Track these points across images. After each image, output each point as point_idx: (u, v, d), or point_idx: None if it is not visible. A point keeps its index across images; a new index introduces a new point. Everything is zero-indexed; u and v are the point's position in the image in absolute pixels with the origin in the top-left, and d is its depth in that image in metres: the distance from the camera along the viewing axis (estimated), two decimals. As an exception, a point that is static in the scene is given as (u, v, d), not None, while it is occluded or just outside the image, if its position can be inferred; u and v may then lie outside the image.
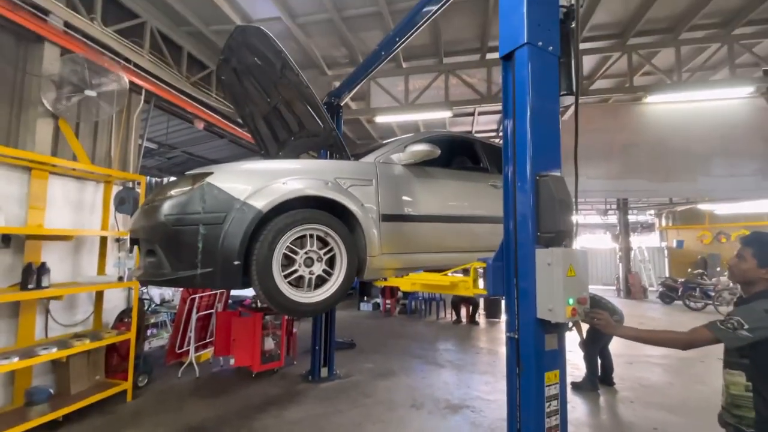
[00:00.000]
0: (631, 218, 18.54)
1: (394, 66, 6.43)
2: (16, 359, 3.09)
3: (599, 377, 4.73)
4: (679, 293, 11.19)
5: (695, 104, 5.67)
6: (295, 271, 2.17)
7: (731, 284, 10.26)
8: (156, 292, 5.77)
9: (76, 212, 4.19)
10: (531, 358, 1.91)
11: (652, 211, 17.50)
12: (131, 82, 4.75)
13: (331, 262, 2.33)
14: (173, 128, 6.54)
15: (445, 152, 3.13)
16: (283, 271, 2.12)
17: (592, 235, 20.96)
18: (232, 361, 4.75)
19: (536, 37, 2.06)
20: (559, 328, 1.93)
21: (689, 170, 5.57)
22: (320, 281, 2.29)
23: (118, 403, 4.01)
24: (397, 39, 3.68)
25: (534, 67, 2.04)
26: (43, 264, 3.58)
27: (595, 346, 4.75)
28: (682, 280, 11.71)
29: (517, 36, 2.09)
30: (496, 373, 5.07)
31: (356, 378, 4.97)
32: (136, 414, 3.84)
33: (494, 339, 7.28)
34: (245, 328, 4.84)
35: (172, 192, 2.13)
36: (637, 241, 17.29)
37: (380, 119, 6.77)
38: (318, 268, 2.25)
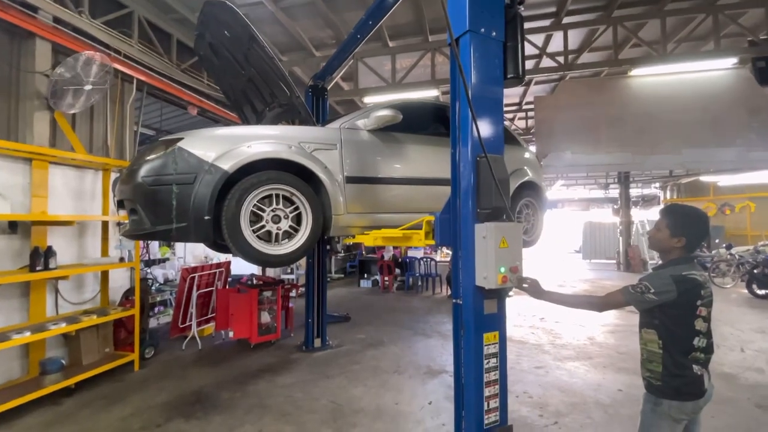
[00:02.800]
0: (636, 191, 18.41)
1: (380, 45, 6.46)
2: (28, 333, 3.44)
3: None
4: (676, 265, 11.26)
5: (680, 76, 5.63)
6: (263, 226, 2.44)
7: (728, 255, 10.32)
8: (159, 272, 6.13)
9: (77, 199, 4.47)
10: (470, 321, 2.14)
11: (657, 184, 17.33)
12: (122, 72, 4.94)
13: (298, 220, 2.58)
14: (167, 115, 6.74)
15: (417, 119, 3.29)
16: (251, 226, 2.40)
17: (599, 209, 20.92)
18: (231, 334, 5.11)
19: (479, 24, 2.19)
20: (498, 294, 2.14)
21: (674, 142, 5.59)
22: (289, 236, 2.54)
23: (126, 372, 4.41)
24: (370, 22, 3.78)
25: (476, 54, 2.18)
26: (50, 248, 3.89)
27: None
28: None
29: (460, 23, 2.21)
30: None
31: (347, 348, 5.31)
32: (142, 381, 4.23)
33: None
34: (242, 304, 5.18)
35: (148, 157, 2.40)
36: (641, 214, 17.23)
37: (369, 99, 6.85)
38: (285, 225, 2.52)
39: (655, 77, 5.78)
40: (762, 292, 8.33)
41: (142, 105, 5.50)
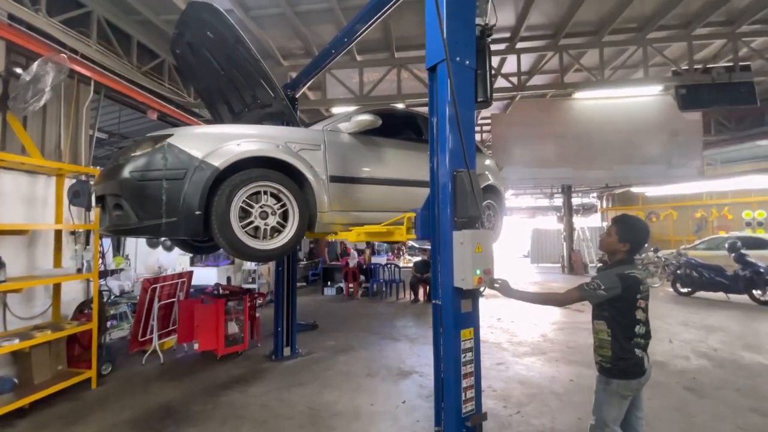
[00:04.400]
0: (577, 200, 20.04)
1: (348, 59, 6.66)
2: (-23, 351, 3.18)
3: None
4: (611, 268, 12.40)
5: (614, 101, 6.41)
6: (252, 222, 2.54)
7: (656, 258, 11.58)
8: (115, 284, 5.79)
9: (29, 206, 4.19)
10: (450, 319, 2.36)
11: (595, 194, 19.00)
12: (79, 73, 4.71)
13: (285, 216, 2.70)
14: (126, 118, 6.45)
15: (391, 125, 3.51)
16: (240, 222, 2.49)
17: (544, 217, 22.46)
18: (196, 346, 4.97)
19: (454, 53, 2.45)
20: (473, 294, 2.39)
21: (607, 159, 6.33)
22: (276, 232, 2.66)
23: (83, 390, 4.14)
24: (346, 39, 3.98)
25: (452, 80, 2.43)
26: (-2, 259, 3.61)
27: None
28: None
29: (438, 51, 2.47)
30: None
31: (317, 355, 5.36)
32: (102, 399, 4.00)
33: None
34: (208, 314, 5.05)
35: (135, 152, 2.42)
36: (581, 222, 18.76)
37: (336, 110, 7.01)
38: (272, 221, 2.64)
39: (594, 101, 6.52)
40: (685, 290, 9.44)
41: (100, 108, 5.25)
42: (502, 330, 6.46)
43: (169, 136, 2.44)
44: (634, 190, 15.18)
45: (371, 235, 2.96)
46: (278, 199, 2.67)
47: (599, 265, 13.75)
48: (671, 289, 9.69)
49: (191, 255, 8.36)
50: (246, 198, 2.52)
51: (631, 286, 2.09)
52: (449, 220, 2.39)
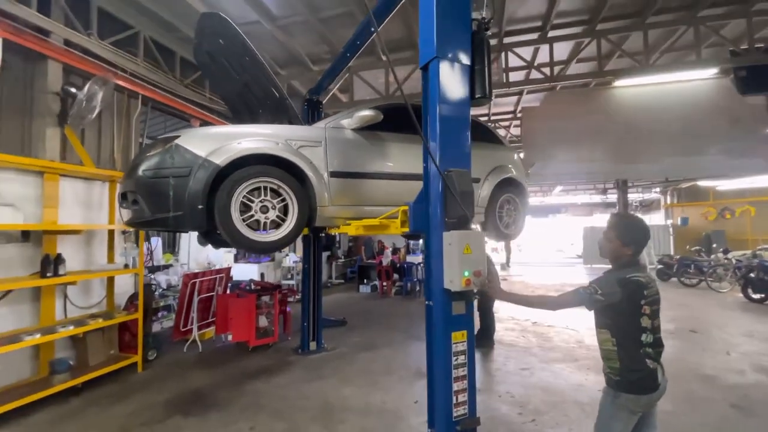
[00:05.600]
0: (638, 196, 18.48)
1: (375, 59, 6.73)
2: (38, 335, 3.69)
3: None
4: (675, 270, 11.32)
5: (661, 87, 5.81)
6: (252, 216, 2.70)
7: (725, 260, 10.36)
8: (163, 278, 6.37)
9: (86, 209, 4.75)
10: (440, 321, 2.34)
11: (658, 189, 17.38)
12: (128, 89, 5.24)
13: (285, 210, 2.84)
14: (171, 127, 7.05)
15: (396, 119, 3.50)
16: (241, 215, 2.66)
17: (602, 215, 20.96)
18: (230, 337, 5.33)
19: (446, 50, 2.42)
20: (465, 296, 2.34)
21: (655, 151, 5.75)
22: (276, 225, 2.80)
23: (130, 373, 4.64)
24: (358, 42, 4.05)
25: (443, 79, 2.40)
26: (59, 255, 4.15)
27: (486, 307, 5.47)
28: (678, 257, 11.82)
29: (429, 50, 2.45)
30: (468, 345, 5.51)
31: (342, 350, 5.50)
32: (145, 382, 4.45)
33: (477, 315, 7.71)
34: (241, 308, 5.40)
35: (149, 153, 2.69)
36: (644, 219, 17.26)
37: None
38: (272, 215, 2.78)
39: (637, 88, 5.97)
40: (757, 296, 8.38)
41: (147, 119, 5.80)
42: (535, 334, 6.18)
43: (177, 137, 2.66)
44: (703, 184, 13.66)
45: (368, 228, 3.00)
46: (278, 194, 2.81)
47: (660, 266, 12.64)
48: (741, 295, 8.64)
49: (235, 252, 8.94)
50: (246, 193, 2.68)
51: (633, 291, 1.93)
52: (439, 221, 2.36)
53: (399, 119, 3.93)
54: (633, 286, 1.93)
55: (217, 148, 2.63)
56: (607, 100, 5.93)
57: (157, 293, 6.06)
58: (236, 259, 8.72)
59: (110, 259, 4.88)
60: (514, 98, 8.73)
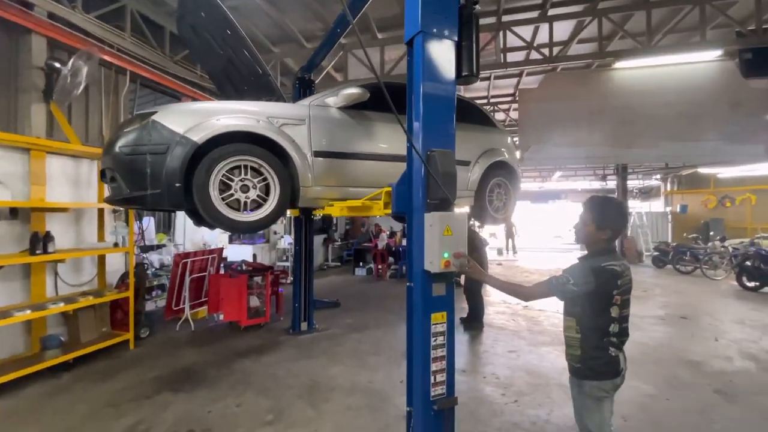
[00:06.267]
0: (637, 183, 18.32)
1: (369, 37, 6.55)
2: (28, 312, 3.72)
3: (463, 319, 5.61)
4: (670, 257, 11.32)
5: (662, 69, 5.64)
6: (232, 195, 2.65)
7: (722, 248, 10.34)
8: (156, 258, 6.40)
9: (74, 187, 4.71)
10: (419, 302, 2.33)
11: (658, 176, 17.22)
12: (116, 65, 5.12)
13: (267, 190, 2.79)
14: (161, 104, 6.93)
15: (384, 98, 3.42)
16: (221, 194, 2.62)
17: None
18: (221, 317, 5.37)
19: (431, 25, 2.32)
20: (445, 278, 2.32)
21: (653, 136, 5.62)
22: (258, 205, 2.76)
23: (122, 350, 4.70)
24: (348, 18, 3.91)
25: (428, 55, 2.32)
26: (48, 233, 4.14)
27: (474, 289, 5.53)
28: (675, 244, 11.80)
29: (413, 24, 2.35)
30: (458, 326, 5.56)
31: (333, 331, 5.55)
32: (136, 359, 4.51)
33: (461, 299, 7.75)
34: (232, 288, 5.42)
35: (125, 129, 2.63)
36: (642, 206, 17.19)
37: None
38: (253, 194, 2.74)
39: (638, 70, 5.79)
40: (751, 284, 8.39)
41: (137, 96, 5.69)
42: (525, 318, 6.21)
43: (154, 113, 2.60)
44: (703, 171, 13.51)
45: (352, 209, 2.96)
46: (260, 174, 2.76)
47: (655, 253, 12.64)
48: (736, 283, 8.66)
49: (229, 234, 8.95)
50: (226, 172, 2.63)
51: (607, 280, 1.87)
52: (421, 202, 2.32)
53: (386, 102, 3.86)
54: (607, 275, 1.88)
55: (195, 125, 2.57)
56: (606, 82, 5.77)
57: (150, 273, 6.09)
58: (231, 241, 8.74)
59: (100, 237, 4.87)
60: (514, 80, 8.56)
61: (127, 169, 2.54)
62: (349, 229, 13.17)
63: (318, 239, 11.51)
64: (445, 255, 2.19)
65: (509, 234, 15.70)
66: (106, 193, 2.90)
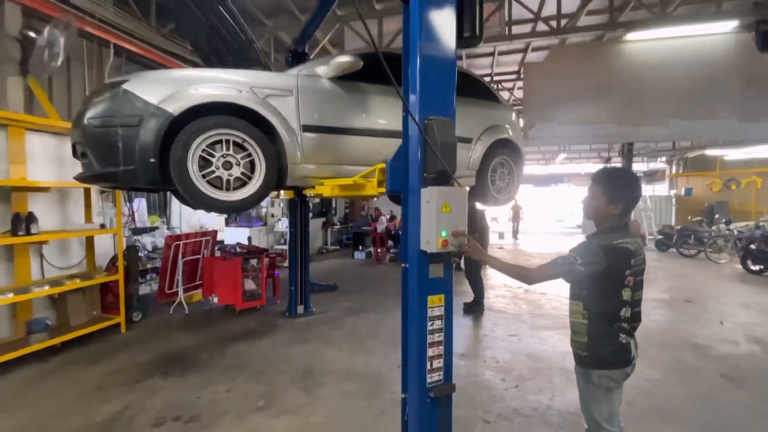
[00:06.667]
0: (642, 166, 18.04)
1: (366, 8, 6.22)
2: (11, 295, 3.58)
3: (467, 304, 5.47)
4: (674, 240, 11.16)
5: (674, 41, 5.31)
6: (213, 172, 2.45)
7: (727, 231, 10.16)
8: (148, 241, 6.25)
9: (58, 166, 4.50)
10: (415, 284, 2.16)
11: (663, 158, 16.93)
12: (99, 37, 4.85)
13: (252, 167, 2.58)
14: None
15: (380, 68, 3.21)
16: (201, 171, 2.42)
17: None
18: (215, 300, 5.26)
19: (429, -23, 2.08)
20: (443, 258, 2.15)
21: (662, 113, 5.35)
22: (242, 183, 2.56)
23: (114, 334, 4.59)
24: (342, -18, 3.64)
25: (426, 13, 2.09)
26: (31, 213, 3.97)
27: (475, 272, 5.36)
28: (679, 227, 11.63)
29: (409, -21, 2.11)
30: (455, 310, 5.44)
31: (330, 314, 5.45)
32: (127, 343, 4.40)
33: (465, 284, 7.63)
34: (227, 271, 5.29)
35: (95, 99, 2.41)
36: (647, 189, 16.94)
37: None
38: (236, 171, 2.53)
39: (648, 42, 5.46)
40: (756, 267, 8.25)
41: (123, 71, 5.42)
42: (527, 301, 6.10)
43: (125, 81, 2.38)
44: (710, 152, 13.22)
45: (343, 188, 2.77)
46: (244, 149, 2.55)
47: (659, 237, 12.47)
48: (740, 266, 8.52)
49: (226, 216, 8.79)
50: (207, 147, 2.43)
51: (618, 260, 1.69)
52: (418, 176, 2.13)
53: (383, 68, 3.61)
54: (619, 253, 1.70)
55: (170, 95, 2.35)
56: (616, 56, 5.45)
57: (143, 256, 5.95)
58: (227, 223, 8.59)
59: (87, 218, 4.70)
60: (519, 56, 8.21)
61: (97, 144, 2.34)
62: (349, 213, 13.01)
63: (317, 222, 11.37)
64: (443, 233, 2.01)
65: (515, 217, 15.15)
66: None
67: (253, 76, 2.71)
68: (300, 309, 5.38)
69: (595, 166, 19.70)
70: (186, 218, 8.80)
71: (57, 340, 3.95)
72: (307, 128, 2.78)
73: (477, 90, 4.10)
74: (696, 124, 5.26)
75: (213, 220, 8.98)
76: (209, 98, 2.42)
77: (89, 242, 4.75)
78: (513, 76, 9.38)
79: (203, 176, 2.42)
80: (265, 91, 2.64)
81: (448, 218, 2.02)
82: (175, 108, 2.33)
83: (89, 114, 2.34)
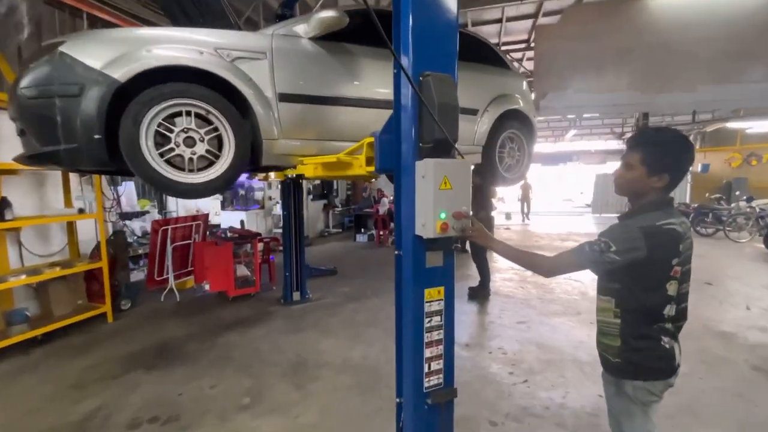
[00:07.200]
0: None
1: (363, -29, 5.69)
2: (-18, 284, 3.34)
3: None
4: (690, 219, 10.68)
5: (706, -6, 4.71)
6: (173, 150, 2.11)
7: (748, 208, 9.66)
8: (138, 226, 5.99)
9: (32, 147, 4.20)
10: (410, 274, 1.83)
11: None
12: (69, 5, 4.45)
13: (220, 144, 2.24)
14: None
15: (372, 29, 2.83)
16: (158, 149, 2.07)
17: (617, 163, 19.88)
18: (207, 287, 5.01)
19: None
20: (442, 245, 1.81)
21: (689, 78, 4.82)
22: (210, 163, 2.22)
23: (100, 323, 4.37)
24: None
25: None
26: (4, 198, 3.70)
27: (481, 254, 5.08)
28: (695, 205, 11.13)
29: None
30: (460, 296, 5.14)
31: (328, 300, 5.19)
32: (113, 333, 4.19)
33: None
34: (218, 257, 5.03)
35: (30, 65, 2.05)
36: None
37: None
38: (201, 149, 2.17)
39: (676, -1, 4.87)
40: (780, 246, 7.83)
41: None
42: (536, 285, 5.77)
43: (62, 42, 2.02)
44: (732, 125, 12.50)
45: (327, 167, 2.41)
46: (209, 123, 2.20)
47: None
48: (762, 245, 8.09)
49: (221, 199, 8.51)
50: (163, 120, 2.07)
51: (663, 245, 1.33)
52: (411, 147, 1.77)
53: (374, 28, 3.18)
54: (665, 237, 1.34)
55: (116, 58, 1.98)
56: (639, 14, 4.86)
57: (133, 241, 5.71)
58: (223, 207, 8.31)
59: (67, 203, 4.42)
60: (529, 23, 7.60)
61: (33, 118, 2.00)
62: (351, 195, 12.66)
63: (318, 205, 11.07)
64: (442, 215, 1.66)
65: (525, 197, 14.25)
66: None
67: (217, 35, 2.31)
68: (296, 296, 5.13)
69: (606, 143, 19.00)
70: (183, 202, 8.54)
71: (38, 332, 3.73)
72: (284, 97, 2.40)
73: (483, 54, 3.66)
74: (727, 88, 4.71)
75: (209, 204, 8.72)
76: (163, 61, 2.05)
77: (70, 228, 4.48)
78: (522, 46, 8.77)
79: (161, 155, 2.07)
80: (232, 53, 2.25)
81: (447, 197, 1.67)
82: (121, 74, 1.96)
83: (23, 83, 1.98)
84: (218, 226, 7.85)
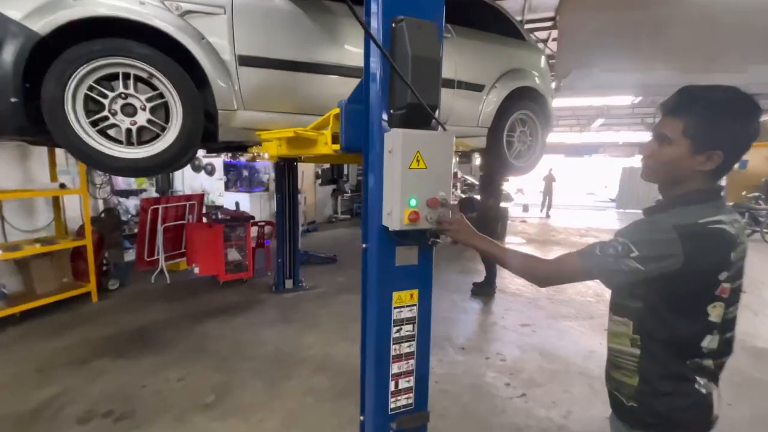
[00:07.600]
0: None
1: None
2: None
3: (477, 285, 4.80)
4: (724, 218, 9.91)
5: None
6: (107, 118, 1.80)
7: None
8: (131, 204, 5.84)
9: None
10: (374, 274, 1.50)
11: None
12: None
13: (167, 114, 1.92)
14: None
15: None
16: (89, 117, 1.78)
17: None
18: (196, 270, 4.81)
19: None
20: (416, 238, 1.46)
21: (738, 55, 4.17)
22: (152, 135, 1.91)
23: (85, 303, 4.23)
24: None
25: None
26: (-17, 170, 3.54)
27: None
28: (731, 204, 10.31)
29: None
30: (463, 291, 4.76)
31: (321, 290, 4.92)
32: (95, 314, 4.04)
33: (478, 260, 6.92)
34: (208, 239, 4.81)
35: None
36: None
37: None
38: (142, 118, 1.86)
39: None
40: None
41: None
42: (547, 283, 5.33)
43: None
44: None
45: (291, 144, 2.06)
46: (154, 88, 1.87)
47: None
48: (806, 250, 7.36)
49: (225, 180, 8.32)
50: (95, 83, 1.76)
51: (708, 252, 0.92)
52: (379, 116, 1.42)
53: None
54: (711, 242, 0.93)
55: (39, 6, 1.67)
56: (682, -18, 4.24)
57: (127, 219, 5.57)
58: (226, 188, 8.11)
59: (53, 177, 4.24)
60: (555, 1, 6.96)
61: None
62: (361, 180, 12.33)
63: (327, 190, 10.81)
64: (412, 202, 1.30)
65: (548, 190, 13.28)
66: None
67: None
68: (288, 284, 4.88)
69: (635, 135, 17.90)
70: (189, 183, 8.41)
71: (15, 309, 3.62)
72: (246, 61, 2.04)
73: (493, 21, 3.20)
74: (786, 71, 4.06)
75: (214, 186, 8.56)
76: (91, 12, 1.71)
77: (56, 204, 4.33)
78: (549, 23, 8.10)
79: (93, 124, 1.77)
80: (182, 6, 1.89)
81: (420, 178, 1.31)
82: (42, 25, 1.65)
83: None
84: (221, 207, 7.67)
